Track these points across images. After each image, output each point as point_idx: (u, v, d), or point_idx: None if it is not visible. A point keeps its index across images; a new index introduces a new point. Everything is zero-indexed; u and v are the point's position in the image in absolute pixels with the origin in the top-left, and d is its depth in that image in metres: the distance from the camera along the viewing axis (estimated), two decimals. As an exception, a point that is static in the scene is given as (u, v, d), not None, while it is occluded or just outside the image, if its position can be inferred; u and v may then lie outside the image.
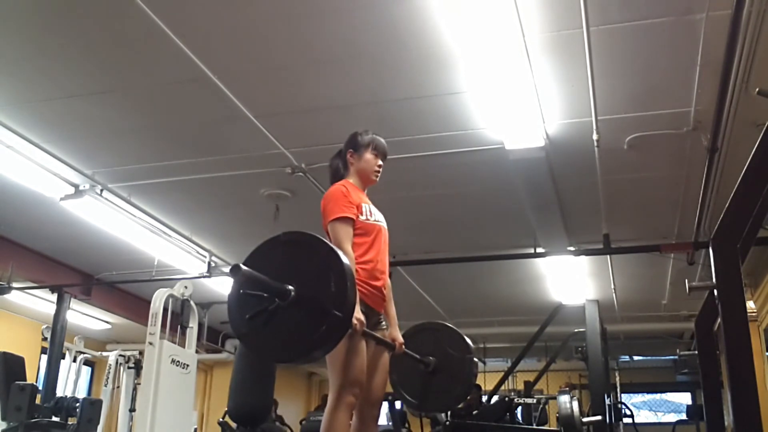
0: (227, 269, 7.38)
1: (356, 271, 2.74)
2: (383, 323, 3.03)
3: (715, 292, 2.22)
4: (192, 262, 7.04)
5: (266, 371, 5.22)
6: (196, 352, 6.71)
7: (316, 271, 2.38)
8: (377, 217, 3.05)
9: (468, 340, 3.67)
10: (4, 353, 6.04)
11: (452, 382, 3.59)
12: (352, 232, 2.87)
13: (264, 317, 2.34)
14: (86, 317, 9.39)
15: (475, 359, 3.69)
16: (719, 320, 2.18)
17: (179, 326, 6.57)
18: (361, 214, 2.93)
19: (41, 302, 8.33)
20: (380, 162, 3.15)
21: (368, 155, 3.12)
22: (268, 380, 5.24)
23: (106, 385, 8.72)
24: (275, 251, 2.49)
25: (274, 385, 5.32)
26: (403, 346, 3.11)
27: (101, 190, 5.51)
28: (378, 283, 2.92)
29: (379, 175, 3.16)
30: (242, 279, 2.29)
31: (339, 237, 2.82)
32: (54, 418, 5.99)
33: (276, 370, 5.41)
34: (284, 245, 2.51)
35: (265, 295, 2.34)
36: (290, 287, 2.34)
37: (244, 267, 2.25)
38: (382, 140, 3.19)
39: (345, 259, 2.44)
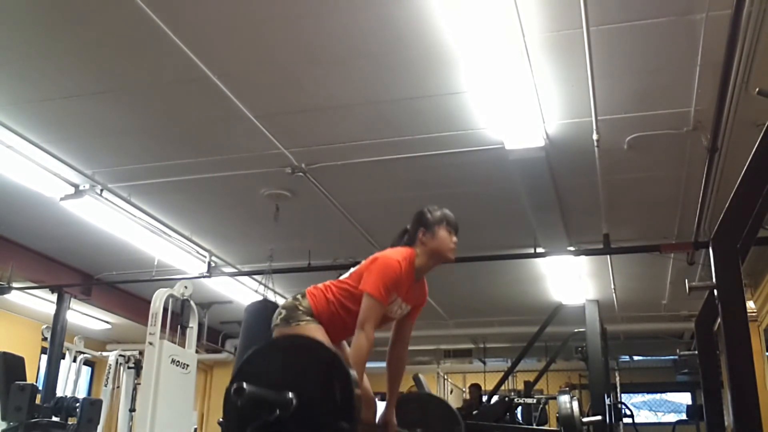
0: (227, 269, 7.45)
1: (335, 303, 2.73)
2: None
3: (715, 292, 2.22)
4: (192, 262, 7.04)
5: None
6: (196, 352, 6.71)
7: (319, 379, 2.25)
8: (395, 308, 2.86)
9: (456, 412, 3.57)
10: (4, 353, 6.04)
11: None
12: (380, 316, 2.72)
13: (265, 430, 2.20)
14: (86, 317, 9.39)
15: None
16: (719, 320, 2.19)
17: (179, 326, 6.57)
18: (387, 304, 2.76)
19: (41, 302, 8.33)
20: (455, 239, 2.90)
21: (443, 232, 2.87)
22: None
23: (106, 385, 8.72)
24: (274, 355, 2.37)
25: None
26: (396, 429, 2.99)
27: (101, 190, 5.51)
28: (343, 333, 2.83)
29: (455, 252, 2.91)
30: (245, 399, 2.15)
31: (368, 315, 2.67)
32: (54, 418, 5.99)
33: None
34: (284, 349, 2.39)
35: (265, 406, 2.21)
36: (291, 396, 2.20)
37: (248, 387, 2.12)
38: (452, 215, 2.95)
39: (350, 368, 2.30)
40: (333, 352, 2.34)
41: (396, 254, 2.81)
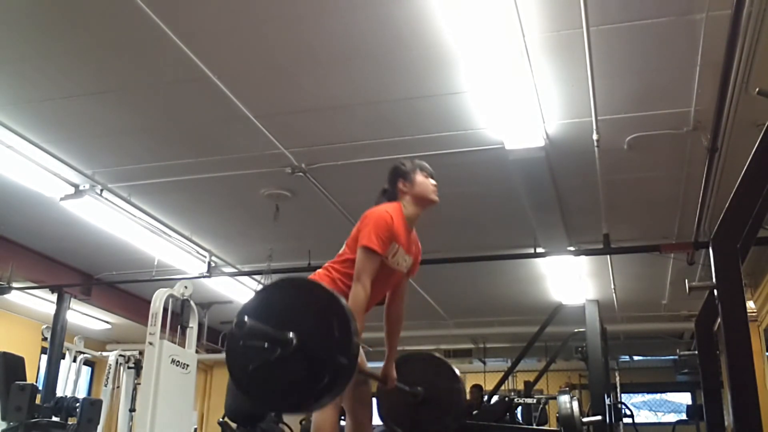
0: (227, 269, 7.45)
1: (342, 280, 2.74)
2: None
3: (715, 292, 2.22)
4: (192, 262, 7.04)
5: None
6: (196, 352, 6.71)
7: (318, 318, 2.31)
8: (400, 260, 2.93)
9: (456, 370, 3.63)
10: (4, 353, 6.04)
11: (441, 413, 3.55)
12: (376, 267, 2.75)
13: (267, 369, 2.27)
14: (86, 317, 9.39)
15: (463, 390, 3.65)
16: (719, 320, 2.19)
17: (179, 326, 6.57)
18: (386, 256, 2.81)
19: (41, 302, 8.33)
20: (434, 181, 3.01)
21: (420, 178, 2.98)
22: None
23: (106, 385, 8.72)
24: (274, 297, 2.43)
25: None
26: (395, 382, 3.05)
27: (101, 190, 5.51)
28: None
29: (437, 193, 3.02)
30: (246, 333, 2.23)
31: (362, 267, 2.72)
32: (54, 418, 5.99)
33: None
34: (283, 291, 2.45)
35: (266, 345, 2.27)
36: (291, 335, 2.26)
37: (249, 321, 2.20)
38: (423, 161, 3.08)
39: (346, 304, 2.36)
40: (331, 291, 2.41)
41: (382, 207, 2.89)
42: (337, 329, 2.27)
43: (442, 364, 3.68)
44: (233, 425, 5.31)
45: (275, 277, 6.74)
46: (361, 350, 2.51)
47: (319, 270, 2.93)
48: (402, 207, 2.95)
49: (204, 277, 7.07)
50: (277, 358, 2.25)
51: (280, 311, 2.34)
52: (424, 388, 3.51)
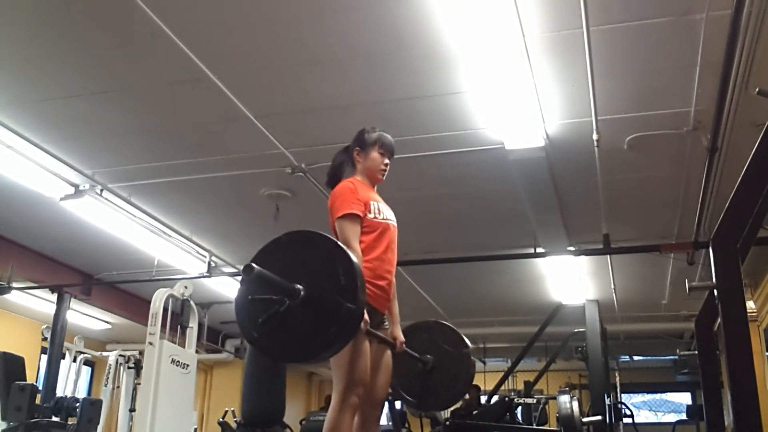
0: (227, 269, 7.45)
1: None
2: (386, 324, 2.99)
3: (715, 292, 2.22)
4: (192, 262, 7.04)
5: (278, 373, 5.23)
6: (196, 352, 6.71)
7: (324, 267, 2.36)
8: (386, 214, 3.02)
9: (463, 336, 3.65)
10: (4, 353, 6.04)
11: (451, 379, 3.57)
12: (359, 230, 2.83)
13: (276, 320, 2.31)
14: (86, 317, 9.39)
15: (471, 354, 3.67)
16: (719, 320, 2.19)
17: (179, 326, 6.57)
18: (369, 212, 2.90)
19: (41, 302, 8.33)
20: (387, 161, 3.11)
21: (375, 154, 3.09)
22: (281, 382, 5.26)
23: (106, 385, 8.71)
24: (279, 252, 2.47)
25: (286, 384, 5.34)
26: (404, 345, 3.09)
27: (101, 190, 5.51)
28: (382, 283, 2.89)
29: (385, 174, 3.13)
30: (254, 279, 2.27)
31: (346, 234, 2.79)
32: (54, 418, 5.99)
33: (286, 370, 5.42)
34: (287, 245, 2.49)
35: (275, 297, 2.31)
36: (299, 286, 2.32)
37: (257, 267, 2.23)
38: (390, 138, 3.16)
39: (351, 252, 2.42)
40: (334, 240, 2.45)
41: (341, 183, 3.00)
42: (343, 277, 2.32)
43: (450, 331, 3.67)
44: (233, 425, 5.32)
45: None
46: (366, 316, 2.55)
47: None
48: (357, 178, 3.08)
49: (204, 277, 7.07)
50: (287, 309, 2.29)
51: (287, 263, 2.38)
52: (433, 356, 3.52)
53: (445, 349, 3.58)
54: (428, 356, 3.53)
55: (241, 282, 2.40)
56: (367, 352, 2.76)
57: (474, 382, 10.33)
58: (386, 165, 3.12)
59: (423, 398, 3.62)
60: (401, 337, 3.06)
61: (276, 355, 2.54)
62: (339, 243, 2.43)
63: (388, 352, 3.00)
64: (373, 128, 3.17)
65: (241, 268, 2.28)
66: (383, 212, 3.00)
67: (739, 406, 2.03)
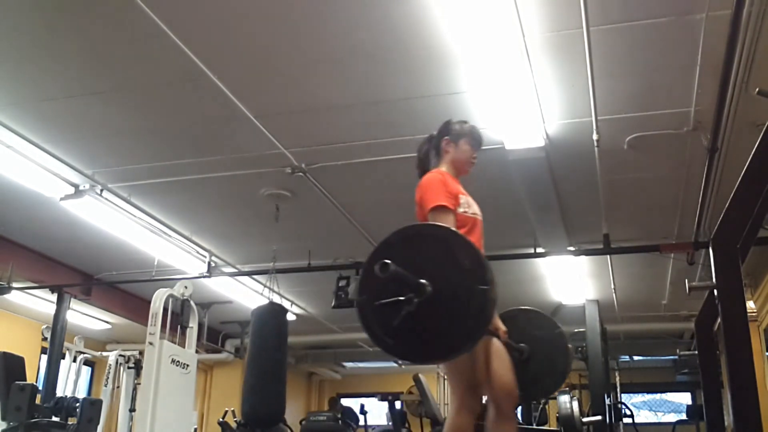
0: (227, 269, 7.44)
1: None
2: None
3: (715, 292, 2.22)
4: (192, 262, 7.04)
5: (278, 374, 5.24)
6: (196, 352, 6.71)
7: (442, 256, 2.25)
8: (475, 209, 2.93)
9: (560, 327, 3.55)
10: (4, 353, 6.04)
11: (550, 364, 3.46)
12: (453, 221, 2.72)
13: (410, 321, 2.19)
14: (86, 317, 9.39)
15: (568, 348, 3.55)
16: (719, 320, 2.19)
17: (179, 326, 6.57)
18: (459, 206, 2.81)
19: (41, 302, 8.33)
20: (476, 154, 3.06)
21: (465, 145, 3.02)
22: (281, 382, 5.26)
23: (106, 385, 8.71)
24: (391, 253, 2.29)
25: (286, 386, 5.35)
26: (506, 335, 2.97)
27: (101, 190, 5.51)
28: None
29: (473, 166, 3.06)
30: (388, 277, 2.13)
31: (444, 222, 2.68)
32: (54, 418, 5.99)
33: (286, 372, 5.44)
34: (397, 245, 2.35)
35: (402, 298, 2.19)
36: (424, 281, 2.21)
37: (392, 265, 2.12)
38: (478, 129, 3.11)
39: (463, 235, 2.31)
40: (446, 227, 2.36)
41: (428, 174, 2.92)
42: (467, 260, 2.22)
43: (538, 316, 3.60)
44: (233, 425, 5.32)
45: (279, 277, 6.76)
46: None
47: None
48: (443, 169, 2.98)
49: (204, 277, 7.07)
50: (417, 308, 2.18)
51: (401, 262, 2.22)
52: (527, 344, 3.41)
53: (537, 335, 3.49)
54: (522, 345, 3.41)
55: (360, 292, 2.27)
56: (479, 351, 2.70)
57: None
58: (474, 158, 3.06)
59: (526, 388, 3.40)
60: (503, 327, 2.95)
61: (416, 358, 2.43)
62: (451, 228, 2.32)
63: (495, 340, 2.88)
64: (463, 120, 3.11)
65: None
66: (472, 206, 2.91)
67: (739, 406, 2.03)
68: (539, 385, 3.54)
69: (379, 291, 2.24)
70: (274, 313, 5.60)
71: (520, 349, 3.42)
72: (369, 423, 8.50)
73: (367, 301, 2.28)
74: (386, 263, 2.10)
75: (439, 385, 11.47)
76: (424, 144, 3.12)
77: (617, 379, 10.23)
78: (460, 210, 2.81)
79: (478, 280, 2.20)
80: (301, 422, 7.99)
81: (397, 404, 6.55)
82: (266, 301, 6.53)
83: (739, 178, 2.20)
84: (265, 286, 7.08)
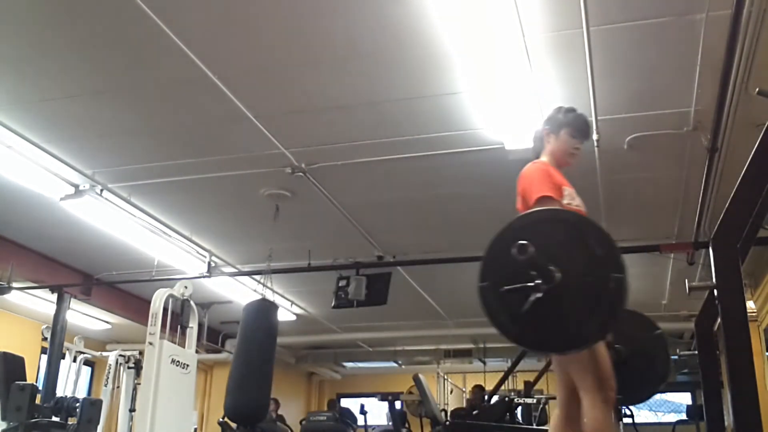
0: (227, 269, 7.44)
1: None
2: None
3: (715, 292, 2.22)
4: (192, 262, 7.04)
5: (264, 370, 5.22)
6: (196, 352, 6.71)
7: (573, 242, 2.16)
8: (578, 202, 2.79)
9: (649, 319, 3.42)
10: (4, 353, 6.03)
11: (648, 365, 3.32)
12: None
13: (539, 309, 2.09)
14: (86, 317, 9.38)
15: (667, 351, 3.41)
16: (719, 320, 2.19)
17: (179, 326, 6.56)
18: (563, 197, 2.67)
19: (41, 302, 8.32)
20: (578, 145, 2.90)
21: (565, 136, 2.87)
22: (266, 379, 5.24)
23: (106, 385, 8.70)
24: (513, 239, 2.22)
25: (271, 384, 5.31)
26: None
27: (101, 190, 5.51)
28: None
29: (575, 157, 2.90)
30: (526, 261, 2.06)
31: None
32: (54, 418, 5.99)
33: (273, 370, 5.41)
34: (522, 230, 2.26)
35: (530, 284, 2.10)
36: (552, 268, 2.11)
37: (531, 246, 2.05)
38: (584, 119, 2.94)
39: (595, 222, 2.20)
40: (575, 213, 2.24)
41: (532, 165, 2.81)
42: (598, 248, 2.12)
43: (634, 315, 3.44)
44: (233, 425, 5.31)
45: (276, 276, 6.76)
46: None
47: None
48: (545, 159, 2.88)
49: (204, 277, 7.07)
50: (546, 295, 2.09)
51: (535, 243, 2.13)
52: (626, 347, 3.25)
53: (636, 336, 3.35)
54: (617, 346, 3.26)
55: (481, 277, 2.17)
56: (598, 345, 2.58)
57: (477, 383, 10.34)
58: (576, 149, 2.90)
59: (622, 392, 3.23)
60: None
61: (546, 347, 2.34)
62: (581, 214, 2.22)
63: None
64: (569, 108, 2.96)
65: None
66: (576, 199, 2.77)
67: (739, 406, 2.03)
68: (638, 386, 3.42)
69: (504, 277, 2.15)
70: (264, 309, 5.59)
71: (618, 351, 3.27)
72: (369, 423, 8.50)
73: (490, 288, 2.19)
74: (525, 244, 2.03)
75: (438, 385, 11.47)
76: (537, 131, 3.00)
77: (617, 379, 10.20)
78: (564, 201, 2.68)
79: (612, 268, 2.10)
80: (301, 422, 7.99)
81: (397, 404, 6.55)
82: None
83: (739, 178, 2.20)
84: (259, 282, 7.07)
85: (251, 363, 5.16)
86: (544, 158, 2.89)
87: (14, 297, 7.89)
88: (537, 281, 2.09)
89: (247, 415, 5.11)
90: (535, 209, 2.37)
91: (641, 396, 3.95)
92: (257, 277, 7.28)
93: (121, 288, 8.54)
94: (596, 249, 2.12)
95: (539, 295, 2.09)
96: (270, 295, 7.53)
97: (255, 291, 8.10)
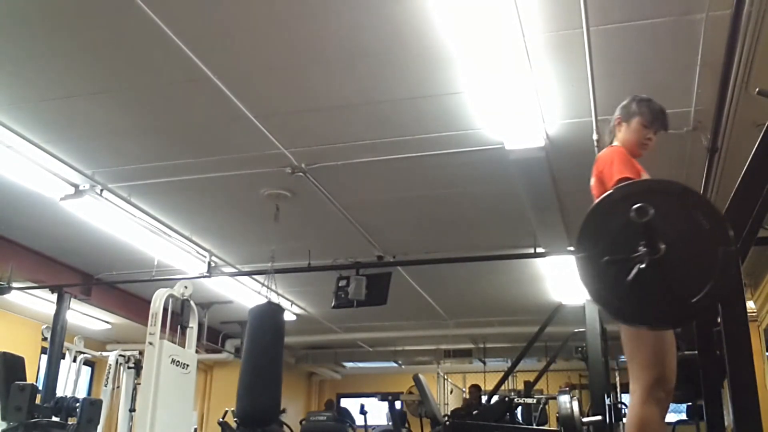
0: (227, 269, 7.44)
1: None
2: None
3: (715, 291, 2.21)
4: (192, 262, 7.04)
5: (273, 373, 5.24)
6: (196, 352, 6.71)
7: (676, 214, 2.07)
8: None
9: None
10: (4, 353, 6.03)
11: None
12: None
13: (643, 280, 2.02)
14: (86, 317, 9.39)
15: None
16: (719, 320, 2.18)
17: (179, 326, 6.56)
18: None
19: (41, 302, 8.32)
20: (651, 135, 2.83)
21: (637, 125, 2.81)
22: (276, 382, 5.25)
23: (106, 385, 8.70)
24: (611, 209, 2.13)
25: (281, 386, 5.33)
26: None
27: (101, 190, 5.51)
28: None
29: (647, 148, 2.83)
30: (644, 225, 1.97)
31: None
32: (54, 418, 5.99)
33: (282, 372, 5.43)
34: (622, 200, 2.13)
35: (634, 255, 2.02)
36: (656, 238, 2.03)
37: (651, 209, 1.96)
38: (658, 108, 2.85)
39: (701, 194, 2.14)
40: (681, 184, 2.15)
41: (611, 147, 2.74)
42: (705, 220, 2.04)
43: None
44: (233, 425, 5.32)
45: (278, 277, 6.76)
46: None
47: None
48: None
49: (204, 277, 7.07)
50: (651, 266, 2.01)
51: (627, 219, 2.03)
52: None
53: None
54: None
55: (578, 248, 2.09)
56: (674, 341, 2.54)
57: (474, 383, 10.35)
58: (649, 139, 2.83)
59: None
60: None
61: (647, 321, 2.24)
62: (687, 185, 2.14)
63: (671, 332, 2.70)
64: (644, 97, 2.89)
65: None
66: None
67: (739, 406, 2.03)
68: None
69: (603, 248, 2.07)
70: (271, 312, 5.60)
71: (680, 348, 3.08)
72: (369, 423, 8.50)
73: (589, 258, 2.11)
74: (644, 206, 1.94)
75: (438, 385, 11.48)
76: (610, 121, 2.94)
77: (617, 379, 10.22)
78: None
79: (721, 241, 2.02)
80: (301, 422, 8.00)
81: (397, 404, 6.55)
82: (264, 301, 6.53)
83: (739, 178, 2.20)
84: (263, 285, 7.07)
85: (260, 367, 5.19)
86: (619, 143, 2.81)
87: (14, 297, 7.90)
88: (641, 252, 2.01)
89: (260, 419, 5.14)
90: (638, 180, 2.30)
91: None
92: (261, 278, 7.28)
93: (121, 288, 8.54)
94: (702, 221, 2.04)
95: (643, 265, 2.01)
96: (272, 296, 7.52)
97: (256, 292, 8.10)
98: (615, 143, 2.83)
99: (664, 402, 2.51)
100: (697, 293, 2.03)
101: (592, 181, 2.73)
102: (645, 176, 2.67)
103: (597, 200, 2.21)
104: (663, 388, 2.49)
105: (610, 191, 2.19)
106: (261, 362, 5.23)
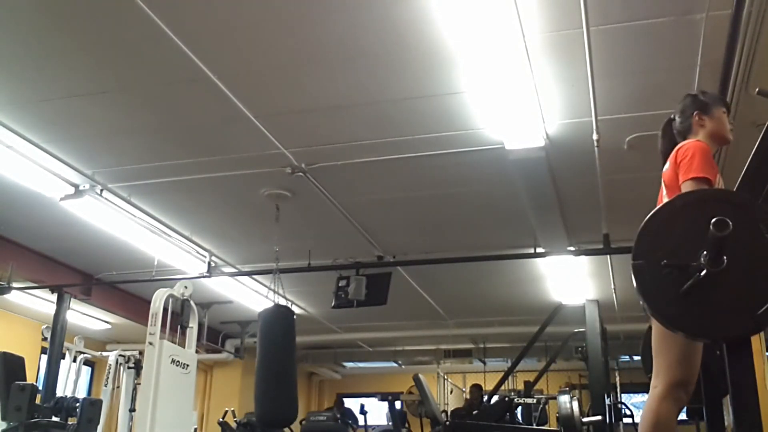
0: (227, 269, 7.44)
1: None
2: None
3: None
4: (192, 262, 7.04)
5: (290, 376, 5.27)
6: (196, 352, 6.71)
7: (739, 224, 2.01)
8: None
9: None
10: (4, 353, 6.04)
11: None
12: None
13: (701, 290, 2.00)
14: (86, 317, 9.39)
15: None
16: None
17: (179, 326, 6.56)
18: (715, 185, 2.49)
19: (41, 302, 8.32)
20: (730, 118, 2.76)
21: (719, 113, 2.71)
22: (293, 385, 5.29)
23: (106, 385, 8.70)
24: (671, 217, 2.11)
25: (297, 387, 5.37)
26: None
27: (101, 190, 5.51)
28: None
29: (733, 133, 2.75)
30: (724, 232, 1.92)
31: None
32: (54, 418, 5.99)
33: (296, 373, 5.46)
34: (683, 209, 2.13)
35: (693, 264, 1.99)
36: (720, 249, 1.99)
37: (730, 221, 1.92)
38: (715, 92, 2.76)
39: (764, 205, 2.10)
40: (744, 195, 2.12)
41: (690, 141, 2.62)
42: (765, 227, 1.99)
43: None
44: (233, 425, 5.32)
45: (282, 277, 6.75)
46: None
47: None
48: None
49: (204, 277, 7.07)
50: (709, 277, 1.98)
51: (687, 229, 2.03)
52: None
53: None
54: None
55: (635, 256, 2.08)
56: (700, 347, 2.51)
57: (475, 383, 10.35)
58: (731, 123, 2.77)
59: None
60: None
61: (708, 333, 2.19)
62: (751, 199, 2.10)
63: None
64: (702, 91, 2.83)
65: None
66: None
67: (739, 406, 2.03)
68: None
69: (662, 256, 2.06)
70: (281, 315, 5.59)
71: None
72: (369, 423, 8.50)
73: (646, 266, 2.11)
74: (724, 220, 1.90)
75: (438, 385, 11.48)
76: (667, 127, 2.84)
77: (617, 379, 10.23)
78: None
79: None
80: (301, 422, 7.99)
81: (397, 404, 6.55)
82: (271, 303, 6.52)
83: (739, 178, 2.20)
84: (269, 288, 7.06)
85: (276, 371, 5.20)
86: (699, 139, 2.68)
87: (14, 297, 7.90)
88: (701, 262, 1.99)
89: (280, 421, 5.17)
90: (700, 189, 2.26)
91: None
92: (261, 278, 7.28)
93: (121, 288, 8.54)
94: (766, 235, 2.00)
95: (701, 275, 1.99)
96: (275, 297, 7.52)
97: (256, 292, 8.09)
98: (697, 138, 2.68)
99: (681, 403, 2.51)
100: (761, 306, 1.99)
101: (667, 166, 2.64)
102: (719, 178, 2.59)
103: (658, 207, 2.19)
104: (685, 389, 2.50)
105: (673, 198, 2.17)
106: (276, 367, 5.25)
